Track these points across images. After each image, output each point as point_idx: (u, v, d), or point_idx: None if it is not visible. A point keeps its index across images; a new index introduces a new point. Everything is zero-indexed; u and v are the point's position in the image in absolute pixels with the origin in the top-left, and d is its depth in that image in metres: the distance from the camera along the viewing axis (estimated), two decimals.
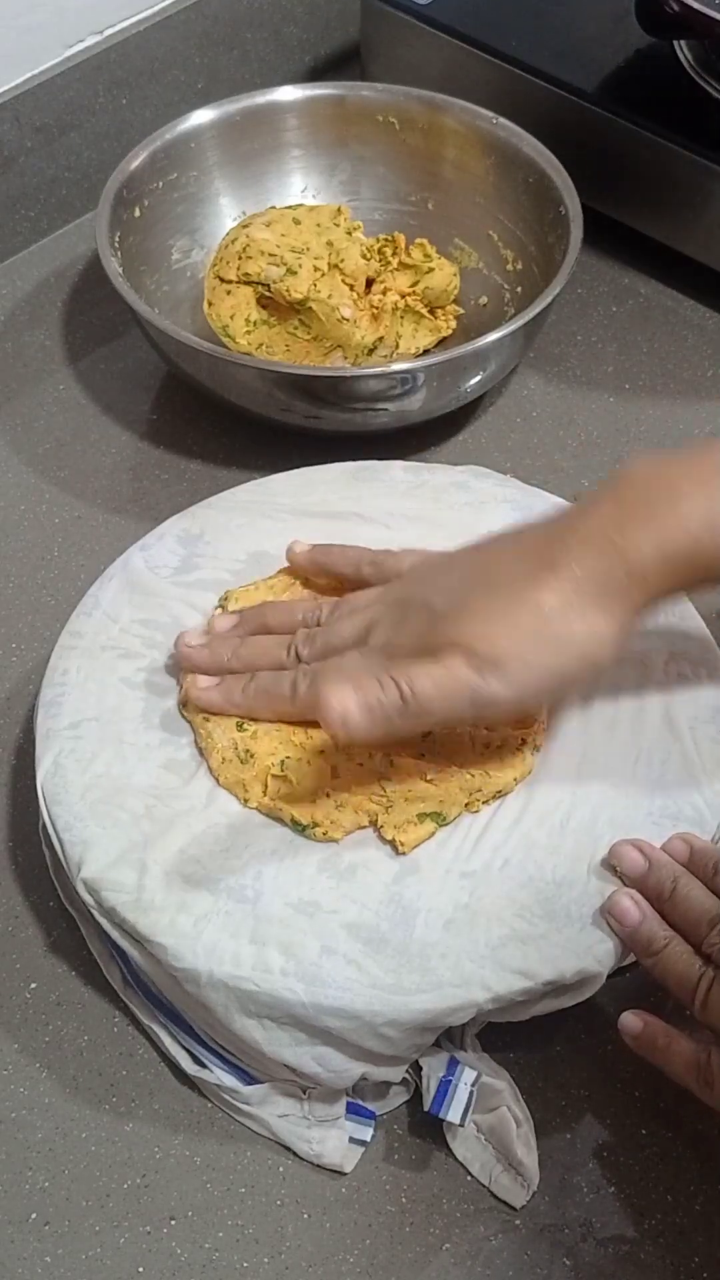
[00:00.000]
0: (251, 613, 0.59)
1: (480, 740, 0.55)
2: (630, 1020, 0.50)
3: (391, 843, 0.53)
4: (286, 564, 0.62)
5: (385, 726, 0.50)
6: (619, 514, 0.49)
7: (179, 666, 0.58)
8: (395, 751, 0.54)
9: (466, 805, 0.54)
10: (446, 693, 0.49)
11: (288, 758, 0.54)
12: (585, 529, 0.49)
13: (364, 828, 0.53)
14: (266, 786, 0.54)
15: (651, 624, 0.59)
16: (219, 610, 0.60)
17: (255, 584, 0.61)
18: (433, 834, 0.53)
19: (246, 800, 0.54)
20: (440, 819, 0.53)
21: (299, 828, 0.53)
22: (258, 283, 0.74)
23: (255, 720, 0.55)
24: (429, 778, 0.54)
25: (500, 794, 0.54)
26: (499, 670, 0.49)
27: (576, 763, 0.55)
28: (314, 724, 0.55)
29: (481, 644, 0.49)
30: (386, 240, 0.79)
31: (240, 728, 0.55)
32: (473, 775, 0.54)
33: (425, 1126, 0.52)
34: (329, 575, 0.60)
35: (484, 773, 0.54)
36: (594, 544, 0.49)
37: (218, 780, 0.55)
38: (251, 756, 0.54)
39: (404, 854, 0.52)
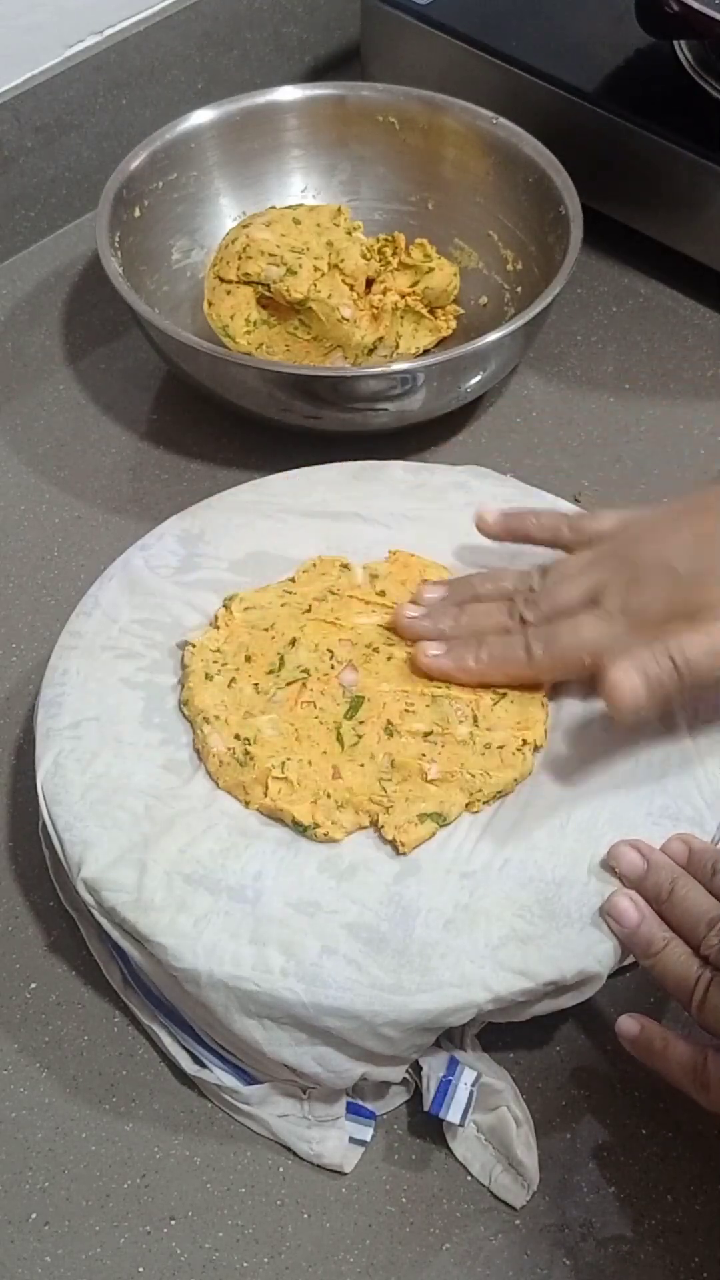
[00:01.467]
0: (458, 583, 0.59)
1: (481, 740, 0.55)
2: (627, 1024, 0.50)
3: (392, 843, 0.53)
4: (291, 567, 0.62)
5: (662, 699, 0.52)
6: None
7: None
8: (396, 752, 0.54)
9: (467, 806, 0.54)
10: (715, 658, 0.51)
11: (288, 759, 0.54)
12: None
13: (364, 828, 0.53)
14: (267, 788, 0.54)
15: None
16: (224, 610, 0.60)
17: (265, 588, 0.61)
18: (433, 834, 0.53)
19: (247, 802, 0.54)
20: (441, 819, 0.53)
21: (300, 828, 0.53)
22: (258, 283, 0.74)
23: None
24: (430, 778, 0.54)
25: (501, 794, 0.54)
26: None
27: (577, 763, 0.55)
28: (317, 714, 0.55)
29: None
30: (386, 240, 0.79)
31: (237, 737, 0.55)
32: (473, 776, 0.54)
33: (425, 1126, 0.52)
34: (527, 541, 0.60)
35: (485, 773, 0.54)
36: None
37: (216, 783, 0.55)
38: (250, 759, 0.54)
39: (404, 854, 0.52)
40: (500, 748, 0.55)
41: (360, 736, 0.55)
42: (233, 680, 0.57)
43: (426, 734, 0.55)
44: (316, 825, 0.53)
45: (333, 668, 0.57)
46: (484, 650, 0.56)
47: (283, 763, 0.54)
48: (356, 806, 0.53)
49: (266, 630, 0.59)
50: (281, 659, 0.57)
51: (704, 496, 0.56)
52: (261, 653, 0.58)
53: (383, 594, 0.60)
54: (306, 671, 0.57)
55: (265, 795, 0.54)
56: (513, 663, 0.55)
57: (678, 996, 0.49)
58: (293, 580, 0.61)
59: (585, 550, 0.57)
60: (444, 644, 0.56)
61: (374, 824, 0.53)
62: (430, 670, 0.56)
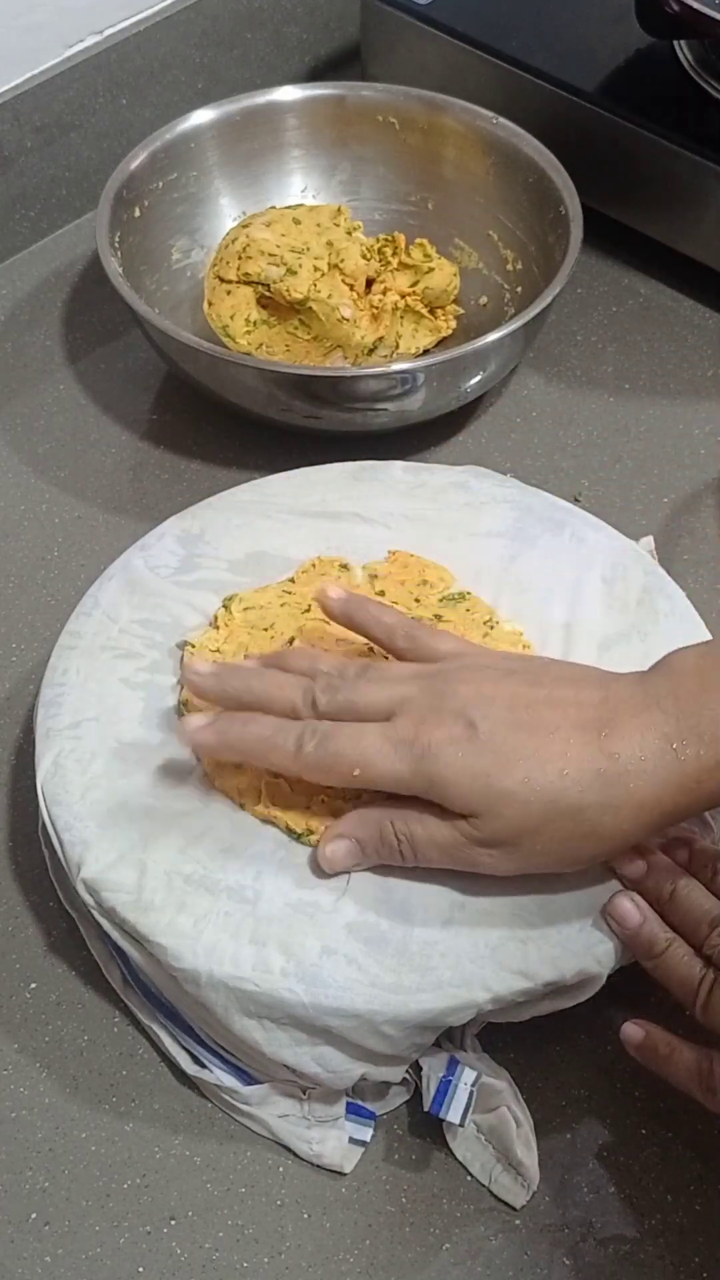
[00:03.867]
0: (270, 654, 0.56)
1: None
2: (631, 1030, 0.50)
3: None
4: (291, 567, 0.62)
5: (376, 862, 0.51)
6: (676, 710, 0.47)
7: (182, 673, 0.57)
8: None
9: None
10: (448, 857, 0.49)
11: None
12: (645, 720, 0.47)
13: None
14: (262, 793, 0.54)
15: (651, 625, 0.59)
16: (224, 610, 0.60)
17: (265, 588, 0.61)
18: None
19: (242, 805, 0.54)
20: None
21: (294, 835, 0.53)
22: (258, 283, 0.74)
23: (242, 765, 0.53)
24: None
25: None
26: (508, 851, 0.48)
27: None
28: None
29: (499, 827, 0.48)
30: (386, 240, 0.79)
31: None
32: None
33: (425, 1126, 0.52)
34: (363, 635, 0.56)
35: None
36: (650, 742, 0.47)
37: (212, 784, 0.55)
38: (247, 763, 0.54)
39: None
40: None
41: None
42: None
43: None
44: (311, 831, 0.53)
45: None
46: (251, 727, 0.51)
47: (276, 773, 0.54)
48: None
49: (266, 630, 0.59)
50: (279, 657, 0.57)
51: (552, 664, 0.53)
52: (260, 651, 0.58)
53: (382, 594, 0.60)
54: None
55: (260, 800, 0.54)
56: (279, 751, 0.50)
57: (680, 997, 0.49)
58: (292, 580, 0.61)
59: (414, 664, 0.53)
60: (209, 717, 0.52)
61: None
62: (189, 744, 0.53)
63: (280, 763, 0.51)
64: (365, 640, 0.56)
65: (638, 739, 0.47)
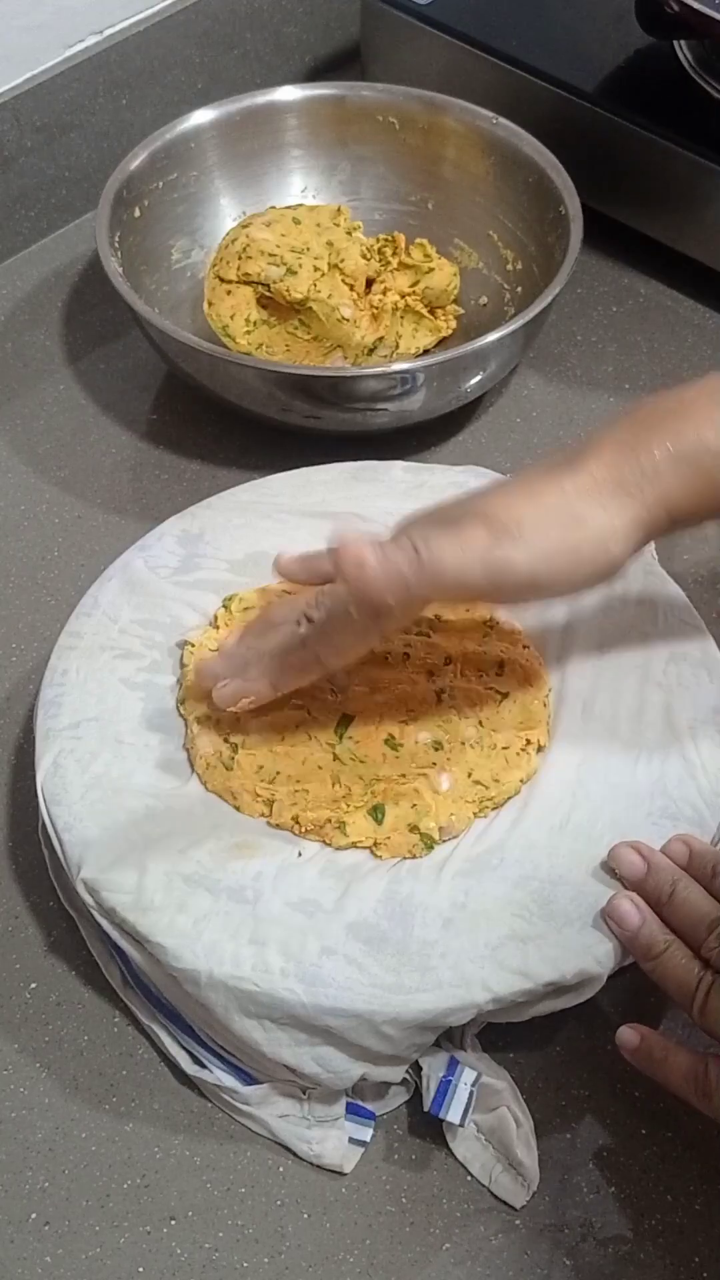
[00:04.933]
0: (255, 620, 0.58)
1: (487, 743, 0.55)
2: (627, 1034, 0.50)
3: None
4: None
5: (398, 582, 0.49)
6: (634, 426, 0.51)
7: (182, 673, 0.58)
8: (404, 767, 0.54)
9: (475, 814, 0.54)
10: (461, 552, 0.49)
11: (278, 772, 0.54)
12: (603, 439, 0.51)
13: (358, 846, 0.53)
14: (256, 794, 0.54)
15: (652, 626, 0.59)
16: (224, 610, 0.60)
17: (265, 588, 0.61)
18: (430, 850, 0.53)
19: (238, 807, 0.54)
20: (432, 843, 0.53)
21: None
22: (258, 283, 0.74)
23: (277, 691, 0.54)
24: (440, 790, 0.53)
25: (509, 798, 0.54)
26: (516, 536, 0.49)
27: (577, 763, 0.55)
28: (304, 727, 0.55)
29: (501, 510, 0.50)
30: (386, 240, 0.79)
31: (226, 740, 0.55)
32: (485, 786, 0.54)
33: (425, 1126, 0.52)
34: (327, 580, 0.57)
35: (495, 780, 0.54)
36: (610, 448, 0.51)
37: (205, 786, 0.55)
38: (237, 764, 0.54)
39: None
40: (505, 749, 0.55)
41: (361, 761, 0.54)
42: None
43: (435, 746, 0.55)
44: (296, 821, 0.53)
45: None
46: (265, 660, 0.54)
47: (273, 776, 0.54)
48: (349, 824, 0.53)
49: None
50: None
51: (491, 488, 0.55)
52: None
53: None
54: None
55: (254, 800, 0.54)
56: (289, 651, 0.53)
57: (678, 1000, 0.49)
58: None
59: None
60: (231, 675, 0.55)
61: (370, 849, 0.53)
62: (223, 704, 0.54)
63: (295, 661, 0.53)
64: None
65: (595, 451, 0.51)
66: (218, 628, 0.59)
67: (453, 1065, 0.50)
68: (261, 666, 0.54)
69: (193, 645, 0.59)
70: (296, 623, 0.54)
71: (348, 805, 0.53)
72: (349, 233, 0.76)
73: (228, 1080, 0.51)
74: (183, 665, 0.58)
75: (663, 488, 0.50)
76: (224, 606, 0.60)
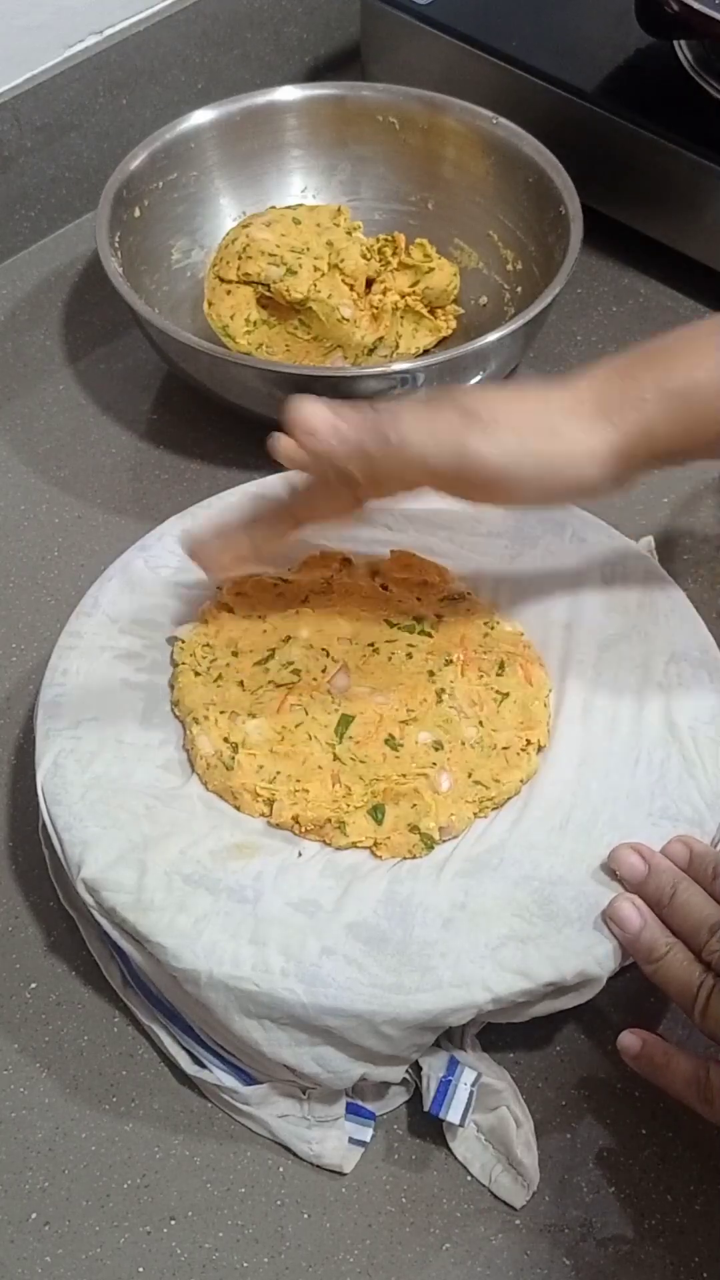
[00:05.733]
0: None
1: (487, 742, 0.55)
2: (629, 1040, 0.50)
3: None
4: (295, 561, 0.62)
5: (357, 450, 0.49)
6: (631, 357, 0.52)
7: (175, 672, 0.58)
8: (404, 767, 0.54)
9: (475, 814, 0.54)
10: (430, 433, 0.49)
11: (278, 772, 0.54)
12: (599, 365, 0.52)
13: (358, 846, 0.53)
14: (256, 794, 0.54)
15: (652, 625, 0.59)
16: (213, 600, 0.60)
17: (260, 576, 0.61)
18: (430, 850, 0.53)
19: (238, 807, 0.54)
20: (431, 843, 0.53)
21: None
22: (258, 283, 0.74)
23: (256, 548, 0.56)
24: (441, 790, 0.53)
25: (509, 798, 0.54)
26: (490, 430, 0.49)
27: (576, 763, 0.55)
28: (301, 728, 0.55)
29: (479, 404, 0.50)
30: (386, 240, 0.79)
31: (226, 740, 0.55)
32: (486, 786, 0.54)
33: (425, 1126, 0.52)
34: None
35: (495, 780, 0.54)
36: (602, 372, 0.51)
37: (205, 786, 0.55)
38: (238, 764, 0.54)
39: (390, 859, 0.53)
40: (505, 749, 0.55)
41: (361, 761, 0.54)
42: (219, 677, 0.57)
43: (435, 746, 0.55)
44: (296, 820, 0.53)
45: (325, 670, 0.57)
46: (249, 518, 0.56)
47: (272, 776, 0.54)
48: (351, 826, 0.53)
49: (260, 619, 0.59)
50: (272, 652, 0.57)
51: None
52: (251, 646, 0.58)
53: (385, 588, 0.61)
54: (297, 673, 0.57)
55: (254, 799, 0.54)
56: (272, 508, 0.55)
57: (679, 1003, 0.49)
58: (290, 570, 0.61)
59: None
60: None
61: (370, 849, 0.53)
62: (203, 558, 0.56)
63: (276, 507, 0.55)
64: (383, 616, 0.58)
65: (587, 374, 0.51)
66: (206, 622, 0.59)
67: (453, 1065, 0.50)
68: (243, 526, 0.55)
69: (182, 641, 0.59)
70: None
71: (348, 805, 0.53)
72: (349, 233, 0.76)
73: (228, 1080, 0.51)
74: (173, 663, 0.58)
75: (646, 417, 0.50)
76: (218, 588, 0.60)
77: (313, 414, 0.49)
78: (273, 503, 0.55)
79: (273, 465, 0.69)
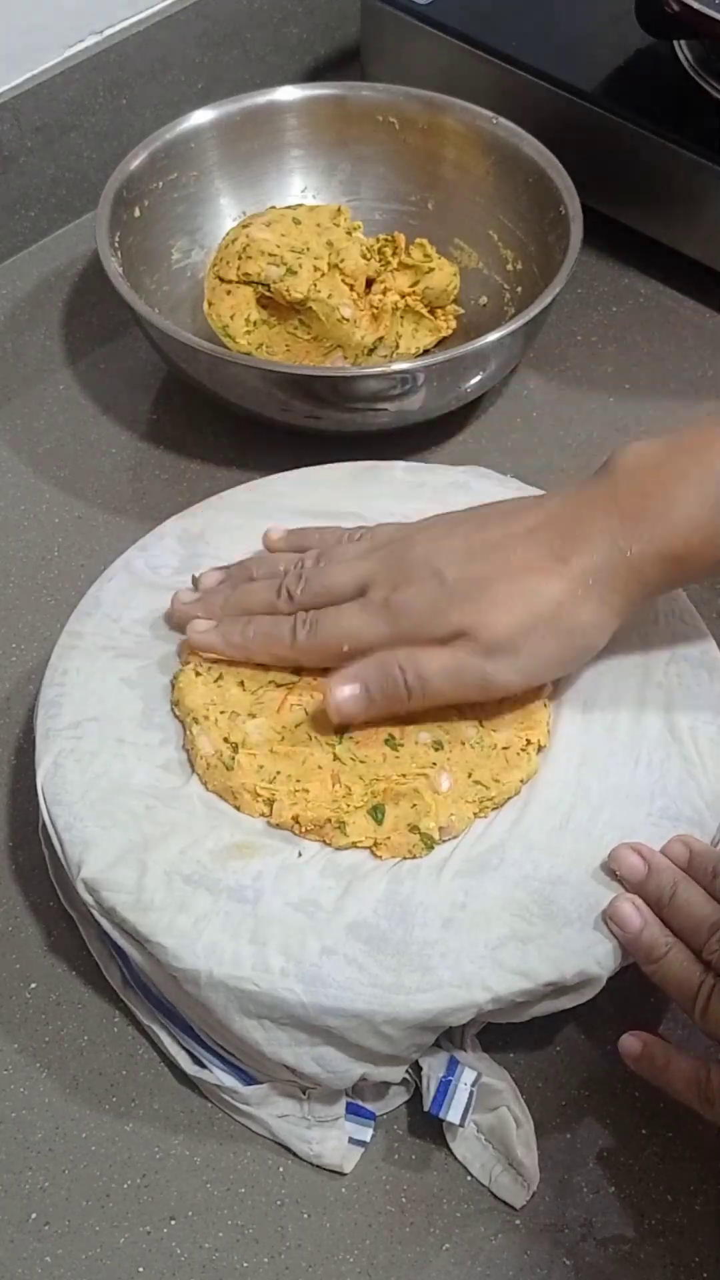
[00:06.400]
0: (236, 567, 0.60)
1: (487, 742, 0.55)
2: (629, 1042, 0.50)
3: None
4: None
5: (390, 710, 0.53)
6: (618, 512, 0.52)
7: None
8: (404, 767, 0.54)
9: (475, 814, 0.54)
10: (456, 679, 0.52)
11: (278, 772, 0.54)
12: (590, 526, 0.52)
13: (358, 846, 0.53)
14: (256, 794, 0.54)
15: (652, 626, 0.59)
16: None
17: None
18: (430, 850, 0.53)
19: (238, 807, 0.54)
20: (431, 843, 0.53)
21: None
22: (258, 283, 0.74)
23: (251, 667, 0.57)
24: (440, 790, 0.53)
25: (509, 799, 0.54)
26: (509, 658, 0.52)
27: (577, 764, 0.55)
28: (310, 726, 0.55)
29: (495, 633, 0.52)
30: (386, 240, 0.79)
31: (226, 740, 0.55)
32: (486, 786, 0.54)
33: (425, 1126, 0.52)
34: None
35: (495, 780, 0.54)
36: (599, 543, 0.52)
37: (205, 786, 0.55)
38: (238, 764, 0.54)
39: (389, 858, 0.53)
40: (505, 749, 0.55)
41: (361, 761, 0.54)
42: (220, 677, 0.57)
43: (435, 746, 0.55)
44: (296, 821, 0.53)
45: (325, 670, 0.57)
46: (250, 627, 0.56)
47: (272, 776, 0.54)
48: (351, 826, 0.53)
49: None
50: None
51: (492, 507, 0.57)
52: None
53: None
54: (297, 673, 0.57)
55: (254, 800, 0.54)
56: (277, 643, 0.56)
57: (680, 1003, 0.49)
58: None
59: (365, 542, 0.58)
60: (213, 621, 0.57)
61: (370, 849, 0.53)
62: (198, 646, 0.57)
63: (280, 653, 0.56)
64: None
65: (586, 545, 0.52)
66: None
67: (453, 1065, 0.50)
68: (241, 631, 0.56)
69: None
70: (275, 593, 0.57)
71: (348, 805, 0.53)
72: (349, 233, 0.76)
73: (228, 1080, 0.51)
74: (182, 662, 0.58)
75: (648, 584, 0.53)
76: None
77: (342, 696, 0.53)
78: (279, 631, 0.56)
79: (272, 466, 0.69)
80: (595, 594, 0.52)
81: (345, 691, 0.53)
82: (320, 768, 0.54)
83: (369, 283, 0.77)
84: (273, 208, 0.79)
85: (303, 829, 0.53)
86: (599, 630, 0.53)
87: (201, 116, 0.80)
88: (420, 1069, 0.50)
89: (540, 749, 0.56)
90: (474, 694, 0.53)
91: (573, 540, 0.52)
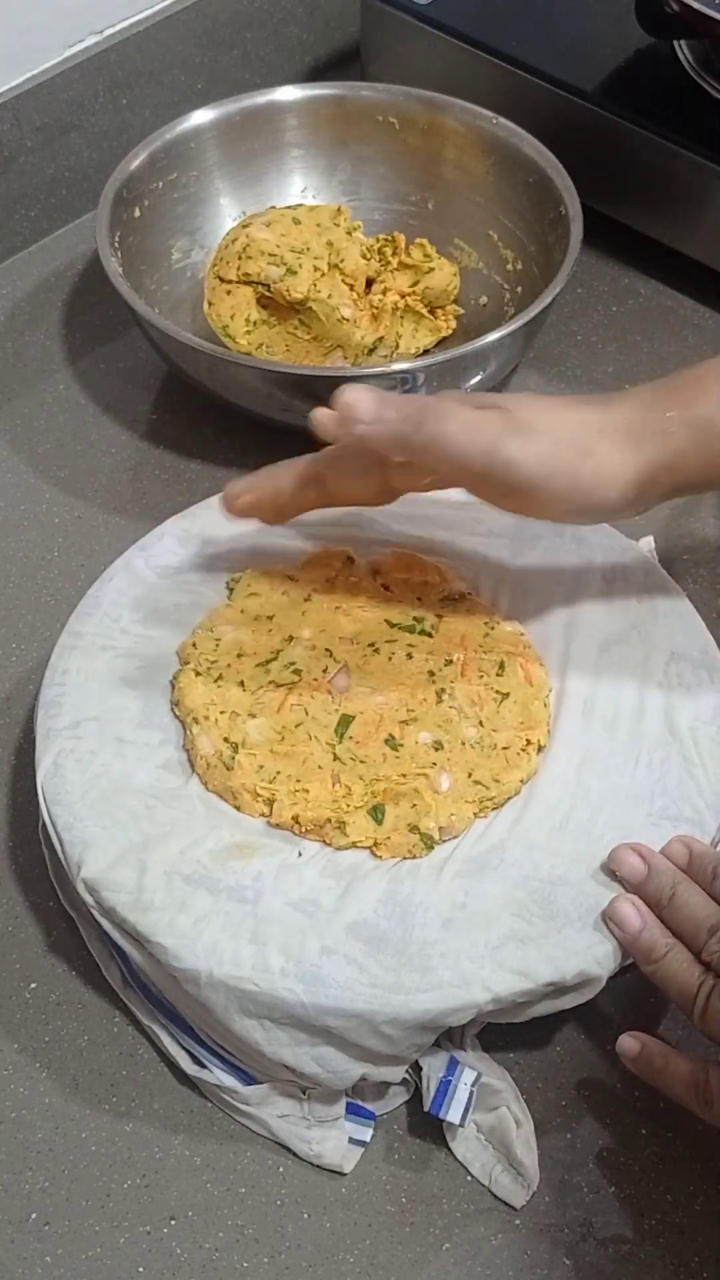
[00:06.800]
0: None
1: (487, 742, 0.55)
2: (628, 1043, 0.50)
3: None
4: (298, 559, 0.62)
5: (396, 437, 0.50)
6: (654, 388, 0.54)
7: (176, 674, 0.58)
8: (404, 767, 0.54)
9: (475, 814, 0.54)
10: (469, 432, 0.51)
11: (278, 772, 0.54)
12: (631, 392, 0.54)
13: (358, 846, 0.53)
14: (256, 794, 0.54)
15: (652, 625, 0.60)
16: (227, 595, 0.60)
17: (271, 570, 0.61)
18: (430, 850, 0.53)
19: (238, 807, 0.54)
20: (431, 843, 0.53)
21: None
22: (258, 283, 0.74)
23: (277, 493, 0.57)
24: (440, 789, 0.53)
25: (509, 799, 0.54)
26: (525, 435, 0.51)
27: (577, 763, 0.55)
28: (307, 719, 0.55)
29: (523, 410, 0.52)
30: (386, 240, 0.79)
31: (226, 740, 0.55)
32: (485, 786, 0.54)
33: (425, 1126, 0.52)
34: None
35: (495, 780, 0.54)
36: (631, 401, 0.53)
37: (205, 785, 0.55)
38: (238, 764, 0.54)
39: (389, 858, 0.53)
40: (505, 749, 0.55)
41: (361, 761, 0.54)
42: (220, 677, 0.57)
43: (435, 746, 0.55)
44: (296, 821, 0.53)
45: (325, 670, 0.57)
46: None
47: (272, 776, 0.54)
48: (351, 826, 0.53)
49: (270, 619, 0.59)
50: (276, 654, 0.57)
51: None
52: (255, 649, 0.58)
53: (386, 587, 0.61)
54: (297, 673, 0.57)
55: (254, 799, 0.54)
56: (305, 461, 0.56)
57: (679, 1003, 0.49)
58: (295, 568, 0.62)
59: None
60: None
61: (370, 849, 0.53)
62: (231, 495, 0.57)
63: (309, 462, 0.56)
64: (384, 617, 0.59)
65: (631, 398, 0.53)
66: (213, 629, 0.59)
67: (453, 1065, 0.50)
68: (277, 473, 0.56)
69: (194, 644, 0.59)
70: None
71: (348, 805, 0.53)
72: (349, 233, 0.76)
73: (228, 1080, 0.51)
74: (182, 661, 0.58)
75: (671, 448, 0.52)
76: (228, 589, 0.60)
77: (359, 394, 0.50)
78: (307, 463, 0.56)
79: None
80: (622, 435, 0.52)
81: (364, 393, 0.50)
82: (320, 768, 0.54)
83: (369, 283, 0.77)
84: (273, 208, 0.79)
85: (303, 829, 0.53)
86: (614, 475, 0.52)
87: (201, 116, 0.80)
88: (420, 1069, 0.50)
89: (540, 749, 0.56)
90: (477, 460, 0.51)
91: (609, 400, 0.54)
